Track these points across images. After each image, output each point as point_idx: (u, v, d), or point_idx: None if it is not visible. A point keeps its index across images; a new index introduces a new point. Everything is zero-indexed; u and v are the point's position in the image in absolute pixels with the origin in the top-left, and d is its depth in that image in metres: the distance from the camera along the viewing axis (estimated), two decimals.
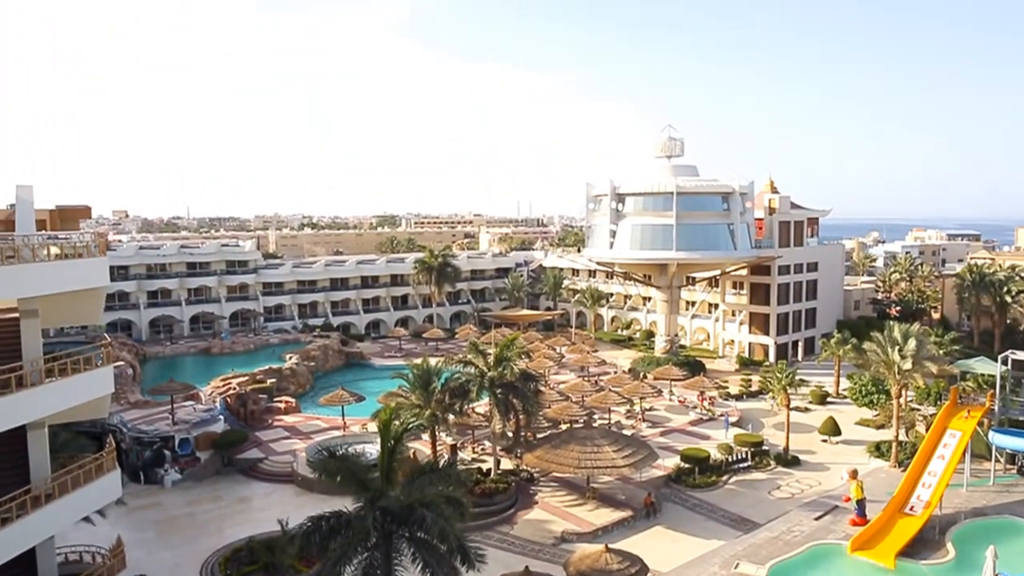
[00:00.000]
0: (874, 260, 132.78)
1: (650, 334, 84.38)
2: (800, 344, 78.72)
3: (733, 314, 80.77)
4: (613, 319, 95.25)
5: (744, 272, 77.51)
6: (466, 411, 44.10)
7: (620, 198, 73.04)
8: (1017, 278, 79.18)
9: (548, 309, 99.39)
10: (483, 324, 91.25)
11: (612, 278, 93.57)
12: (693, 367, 66.93)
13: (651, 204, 71.06)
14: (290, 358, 70.58)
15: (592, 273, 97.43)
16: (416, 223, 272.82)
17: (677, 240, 68.96)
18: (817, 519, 37.59)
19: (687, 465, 43.63)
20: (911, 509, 35.83)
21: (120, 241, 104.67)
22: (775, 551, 33.44)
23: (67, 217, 35.18)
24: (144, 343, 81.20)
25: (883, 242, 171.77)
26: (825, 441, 50.35)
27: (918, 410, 53.38)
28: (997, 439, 41.29)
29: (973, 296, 79.68)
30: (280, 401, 58.38)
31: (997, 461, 42.82)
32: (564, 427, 47.34)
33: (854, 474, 38.73)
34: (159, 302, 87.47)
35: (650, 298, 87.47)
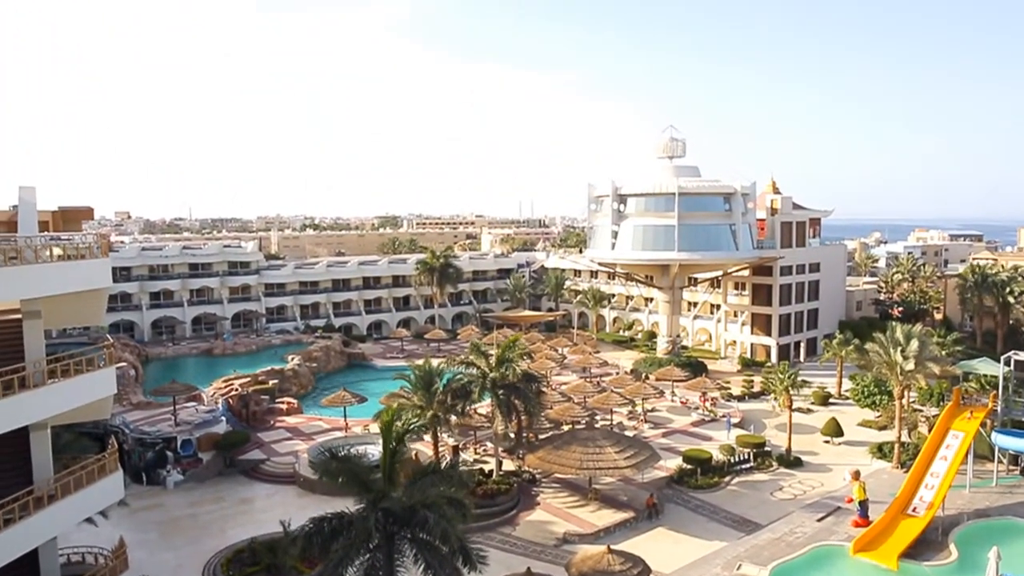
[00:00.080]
0: (876, 260, 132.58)
1: (652, 335, 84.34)
2: (802, 345, 78.66)
3: (735, 315, 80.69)
4: (615, 320, 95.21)
5: (746, 273, 77.44)
6: (468, 412, 44.09)
7: (622, 199, 73.04)
8: (1020, 278, 79.01)
9: (550, 310, 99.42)
10: (485, 325, 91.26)
11: (614, 279, 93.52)
12: (695, 368, 66.89)
13: (653, 205, 71.03)
14: (292, 359, 70.61)
15: (594, 274, 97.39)
16: (418, 224, 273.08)
17: (679, 241, 68.93)
18: (819, 520, 37.54)
19: (689, 466, 43.59)
20: (914, 510, 35.76)
21: (122, 242, 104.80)
22: (777, 552, 33.39)
23: (69, 218, 35.23)
24: (146, 344, 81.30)
25: (885, 242, 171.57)
26: (827, 442, 50.29)
27: (920, 411, 53.31)
28: (1000, 440, 41.22)
29: (976, 297, 79.54)
30: (282, 402, 58.40)
31: (1000, 462, 42.74)
32: (566, 428, 47.32)
33: (856, 475, 38.68)
34: (161, 303, 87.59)
35: (652, 299, 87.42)
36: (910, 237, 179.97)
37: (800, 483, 42.99)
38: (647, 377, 63.75)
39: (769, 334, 76.91)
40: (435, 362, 44.74)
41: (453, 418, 42.24)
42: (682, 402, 59.89)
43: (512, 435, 44.16)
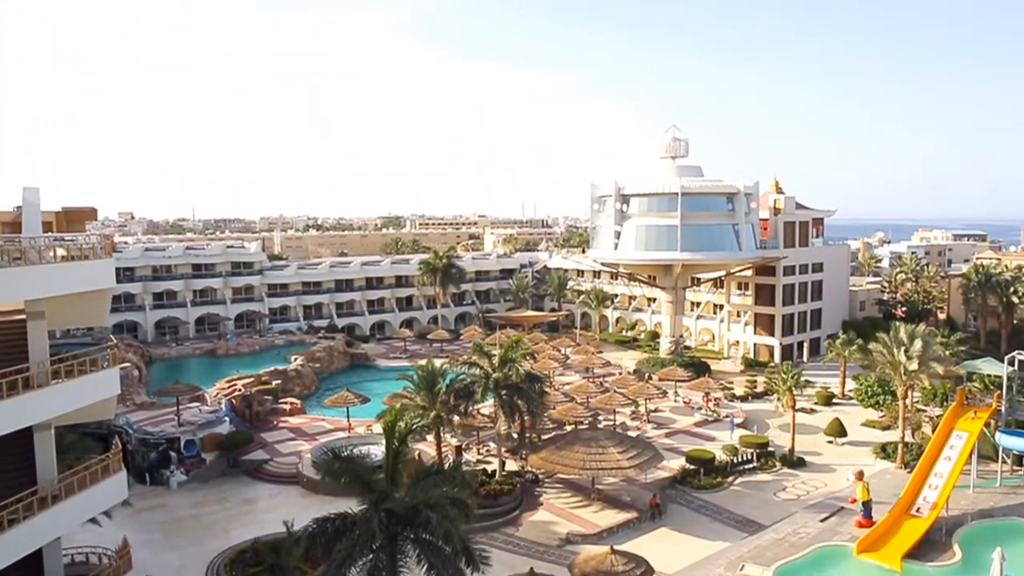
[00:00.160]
0: (880, 260, 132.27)
1: (655, 335, 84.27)
2: (805, 345, 78.53)
3: (738, 315, 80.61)
4: (618, 320, 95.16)
5: (749, 273, 77.34)
6: (471, 412, 44.14)
7: (624, 199, 73.00)
8: None
9: (553, 310, 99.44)
10: (488, 325, 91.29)
11: (617, 279, 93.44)
12: (698, 368, 66.85)
13: (656, 205, 71.00)
14: (295, 359, 70.69)
15: (597, 274, 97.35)
16: (421, 224, 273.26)
17: (682, 241, 68.87)
18: (823, 521, 37.49)
19: (692, 466, 43.56)
20: (917, 511, 35.70)
21: (126, 243, 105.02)
22: (781, 553, 33.35)
23: (73, 219, 35.31)
24: (150, 344, 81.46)
25: (889, 242, 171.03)
26: (831, 442, 50.22)
27: (924, 411, 53.22)
28: (1004, 440, 41.12)
29: (979, 296, 79.38)
30: (285, 402, 58.44)
31: (1004, 462, 42.63)
32: (569, 428, 47.32)
33: (860, 475, 38.65)
34: (165, 304, 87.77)
35: (655, 299, 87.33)
36: (913, 237, 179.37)
37: (803, 483, 42.93)
38: (650, 377, 63.70)
39: (772, 334, 76.80)
40: (438, 362, 44.78)
41: (456, 418, 42.25)
42: (685, 402, 59.84)
43: (515, 435, 44.17)
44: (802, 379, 52.07)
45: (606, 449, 38.48)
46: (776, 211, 77.55)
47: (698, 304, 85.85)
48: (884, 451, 47.05)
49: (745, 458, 45.64)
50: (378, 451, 30.89)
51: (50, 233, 28.72)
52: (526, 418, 42.61)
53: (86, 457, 26.16)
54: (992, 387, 46.98)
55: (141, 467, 44.09)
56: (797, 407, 49.53)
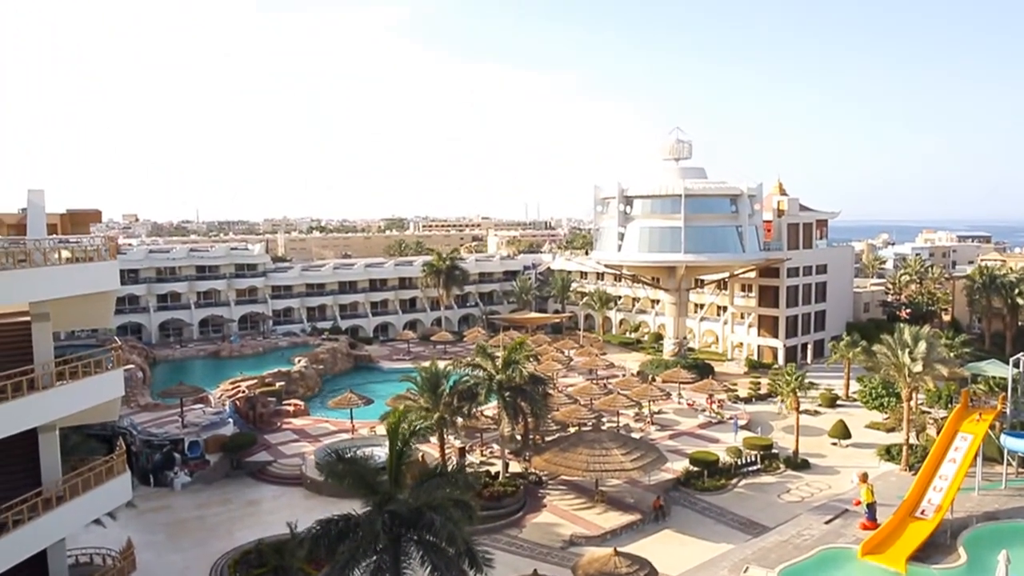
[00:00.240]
0: (884, 262, 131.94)
1: (658, 337, 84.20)
2: (809, 347, 78.40)
3: (742, 317, 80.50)
4: (621, 322, 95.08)
5: (753, 274, 77.26)
6: (474, 414, 44.20)
7: (628, 201, 72.97)
8: None
9: (556, 312, 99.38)
10: (491, 327, 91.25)
11: (620, 281, 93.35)
12: (702, 370, 66.76)
13: (659, 207, 70.98)
14: (299, 361, 70.78)
15: (600, 276, 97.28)
16: (424, 226, 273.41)
17: (685, 242, 68.83)
18: (827, 523, 37.41)
19: (696, 468, 43.49)
20: (922, 513, 35.58)
21: (130, 245, 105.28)
22: (785, 555, 33.27)
23: (78, 221, 35.41)
24: (154, 346, 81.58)
25: (892, 244, 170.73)
26: (835, 444, 50.11)
27: (929, 413, 53.06)
28: (1009, 442, 40.97)
29: (984, 298, 79.15)
30: (289, 404, 58.50)
31: (1009, 464, 42.50)
32: (572, 430, 47.29)
33: (864, 477, 38.53)
34: (169, 305, 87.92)
35: (658, 301, 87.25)
36: (917, 238, 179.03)
37: (807, 485, 42.85)
38: (654, 379, 63.63)
39: (776, 336, 76.69)
40: (441, 364, 44.73)
41: (459, 420, 42.29)
42: (689, 404, 59.77)
43: (518, 437, 44.16)
44: (806, 381, 51.94)
45: (610, 451, 38.44)
46: (780, 213, 77.47)
47: (702, 306, 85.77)
48: (888, 453, 46.93)
49: (749, 460, 45.56)
50: (382, 453, 30.87)
51: (55, 235, 28.81)
52: (529, 420, 42.61)
53: (90, 458, 26.22)
54: (997, 389, 46.81)
55: (145, 468, 44.15)
56: (801, 409, 49.41)
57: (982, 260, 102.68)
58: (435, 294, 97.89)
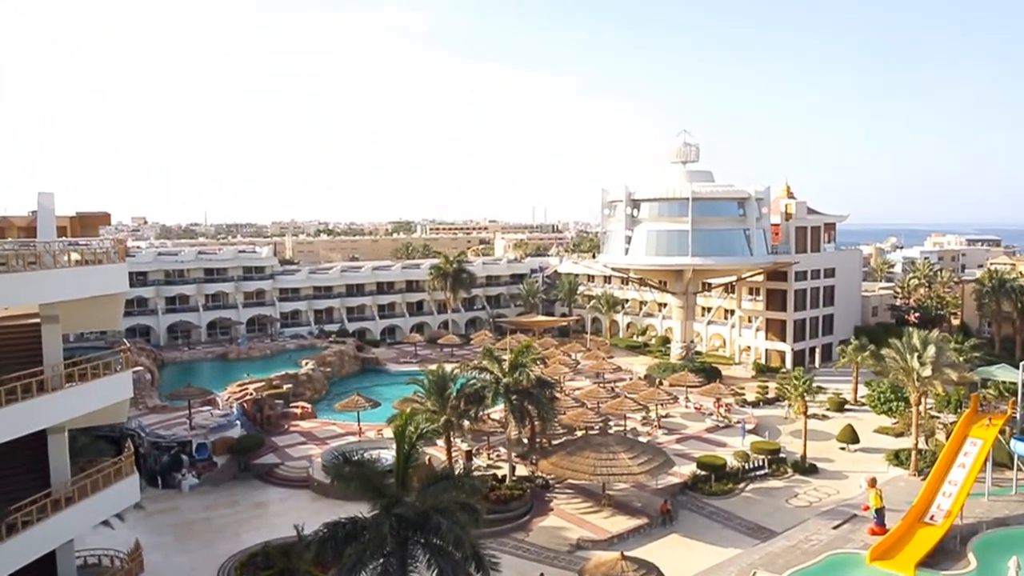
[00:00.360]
0: (892, 266, 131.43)
1: (666, 340, 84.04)
2: (817, 351, 78.08)
3: (749, 320, 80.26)
4: (628, 325, 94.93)
5: (760, 278, 77.02)
6: (481, 417, 44.08)
7: (635, 204, 72.92)
8: None
9: (563, 315, 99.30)
10: (498, 330, 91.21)
11: (627, 284, 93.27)
12: (709, 374, 66.59)
13: (666, 210, 70.88)
14: (306, 364, 70.90)
15: (607, 279, 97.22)
16: (431, 229, 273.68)
17: (693, 246, 68.71)
18: (835, 528, 37.21)
19: (703, 472, 43.38)
20: (931, 518, 35.36)
21: (139, 247, 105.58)
22: (792, 560, 33.13)
23: (87, 224, 35.68)
24: (162, 348, 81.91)
25: (901, 247, 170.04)
26: (843, 449, 49.89)
27: (938, 418, 52.75)
28: (1019, 447, 40.67)
29: (993, 302, 78.72)
30: (296, 406, 58.60)
31: (1019, 470, 42.14)
32: (579, 434, 47.26)
33: (873, 482, 38.31)
34: (177, 308, 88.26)
35: (666, 304, 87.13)
36: (926, 242, 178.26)
37: (815, 490, 42.66)
38: (661, 383, 63.54)
39: (784, 340, 76.42)
40: (448, 367, 44.82)
41: (466, 423, 42.29)
42: (696, 408, 59.61)
43: (525, 440, 44.13)
44: (814, 385, 51.85)
45: (616, 455, 38.37)
46: (788, 216, 77.26)
47: (709, 309, 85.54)
48: (897, 458, 46.67)
49: (756, 464, 45.41)
50: (388, 455, 30.90)
51: (64, 238, 29.04)
52: (536, 423, 42.55)
53: (99, 460, 26.35)
54: (1007, 394, 46.56)
55: (153, 470, 44.30)
56: (809, 413, 49.21)
57: (991, 264, 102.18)
58: (442, 297, 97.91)
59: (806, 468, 45.49)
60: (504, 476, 42.23)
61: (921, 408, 46.83)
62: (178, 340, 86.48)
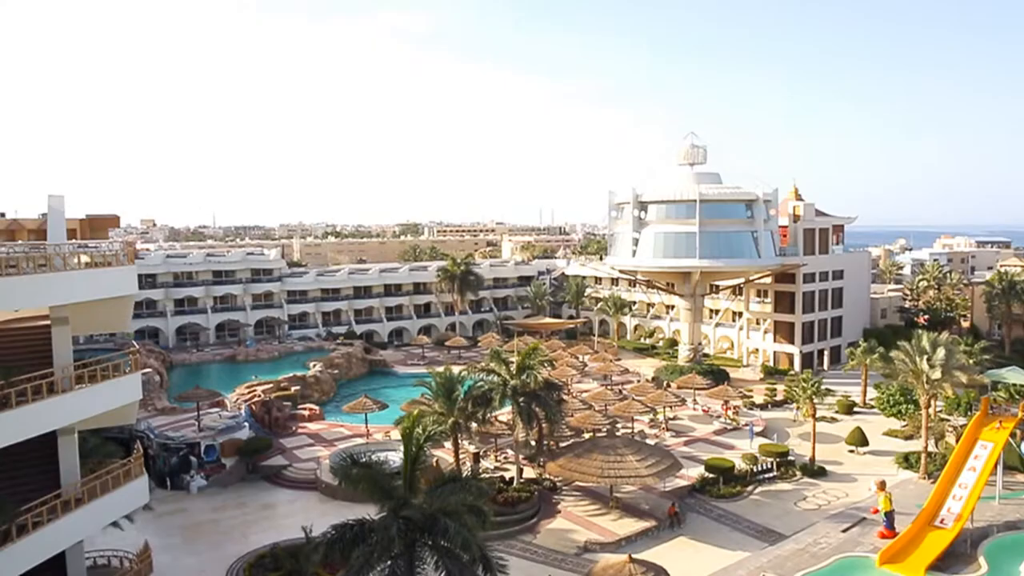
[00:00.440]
0: (901, 268, 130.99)
1: (673, 342, 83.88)
2: (826, 353, 77.80)
3: (757, 322, 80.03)
4: (636, 327, 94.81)
5: (768, 280, 76.82)
6: (489, 419, 44.10)
7: (643, 206, 72.78)
8: None
9: (571, 317, 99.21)
10: (505, 332, 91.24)
11: (635, 286, 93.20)
12: (717, 376, 66.39)
13: (674, 212, 70.76)
14: (314, 366, 71.08)
15: (615, 281, 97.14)
16: (439, 231, 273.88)
17: (700, 248, 68.55)
18: (844, 531, 37.01)
19: (711, 475, 43.23)
20: (941, 522, 35.13)
21: (148, 250, 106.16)
22: (801, 563, 32.97)
23: (96, 226, 35.83)
24: (171, 350, 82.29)
25: (910, 249, 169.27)
26: (852, 452, 49.65)
27: (948, 420, 52.46)
28: None
29: (1003, 304, 78.33)
30: (304, 408, 58.76)
31: None
32: (587, 436, 47.21)
33: (882, 485, 38.09)
34: (186, 310, 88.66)
35: (673, 306, 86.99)
36: (936, 244, 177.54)
37: (824, 493, 42.45)
38: (668, 385, 63.41)
39: (792, 342, 76.18)
40: (456, 369, 44.82)
41: (474, 425, 42.28)
42: (704, 410, 59.45)
43: (533, 443, 44.05)
44: (822, 387, 51.53)
45: (624, 457, 38.29)
46: (796, 218, 77.03)
47: (717, 311, 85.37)
48: (907, 461, 46.42)
49: (765, 467, 45.23)
50: (396, 457, 30.97)
51: (74, 240, 29.17)
52: (544, 425, 42.48)
53: (108, 461, 26.48)
54: (1018, 396, 46.32)
55: (162, 472, 44.45)
56: (818, 416, 49.00)
57: (1002, 266, 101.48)
58: (449, 299, 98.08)
59: (815, 471, 45.30)
60: (512, 478, 42.19)
61: (931, 411, 46.58)
62: (187, 342, 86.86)
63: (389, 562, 22.37)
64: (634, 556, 28.09)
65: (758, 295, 79.84)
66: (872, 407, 60.35)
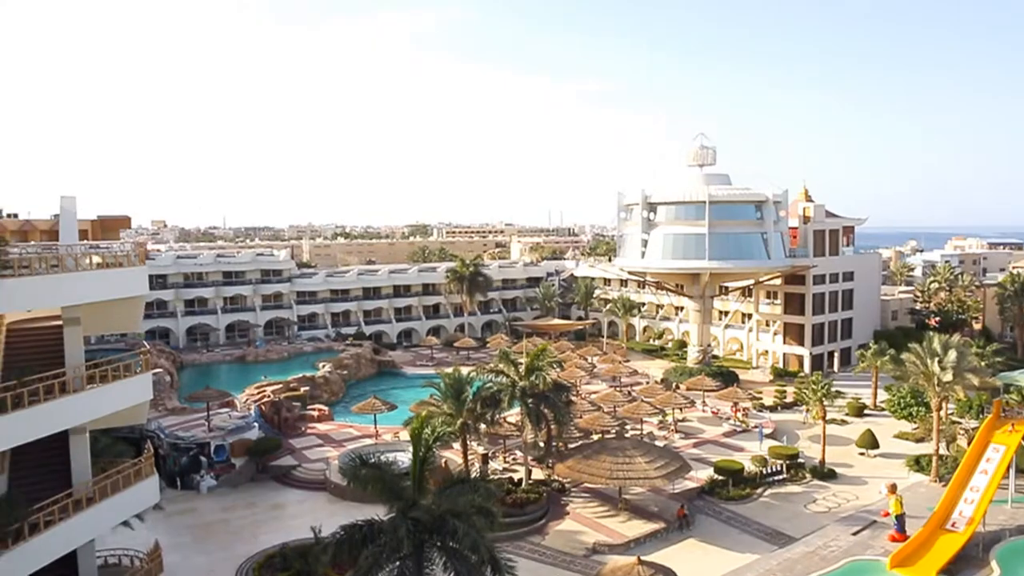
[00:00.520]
0: (912, 269, 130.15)
1: (682, 344, 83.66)
2: (836, 355, 77.42)
3: (767, 324, 79.73)
4: (645, 329, 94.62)
5: (778, 281, 76.52)
6: (497, 421, 44.11)
7: (652, 207, 72.64)
8: None
9: (579, 319, 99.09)
10: (514, 333, 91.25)
11: (644, 287, 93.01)
12: (726, 378, 66.17)
13: (683, 213, 70.59)
14: (323, 366, 71.26)
15: (624, 283, 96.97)
16: (448, 232, 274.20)
17: (710, 249, 68.35)
18: (855, 534, 36.85)
19: (720, 477, 43.09)
20: (953, 525, 34.93)
21: (159, 250, 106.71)
22: (811, 566, 32.86)
23: (108, 227, 36.12)
24: (181, 351, 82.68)
25: (921, 251, 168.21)
26: (863, 454, 49.38)
27: (959, 423, 52.12)
28: None
29: (1016, 306, 77.73)
30: (313, 409, 58.91)
31: None
32: (596, 437, 47.16)
33: (893, 488, 37.91)
34: (196, 310, 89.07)
35: (682, 308, 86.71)
36: (947, 245, 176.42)
37: (834, 496, 42.25)
38: (677, 387, 63.22)
39: (802, 344, 75.85)
40: (465, 370, 44.86)
41: (482, 426, 42.26)
42: (713, 412, 59.27)
43: (541, 444, 44.05)
44: (833, 389, 51.27)
45: (633, 459, 38.23)
46: (806, 219, 76.72)
47: (726, 313, 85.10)
48: (918, 464, 46.13)
49: (774, 469, 45.04)
50: (405, 458, 31.01)
51: (86, 241, 29.38)
52: (552, 427, 42.47)
53: (119, 461, 26.64)
54: None
55: (172, 471, 44.65)
56: (828, 418, 48.80)
57: (1014, 267, 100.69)
58: (458, 300, 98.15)
59: (825, 473, 45.09)
60: (520, 480, 42.18)
61: (942, 413, 46.26)
62: (197, 342, 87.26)
63: (398, 563, 22.40)
64: (643, 558, 28.06)
65: (768, 297, 79.55)
66: (883, 409, 59.99)
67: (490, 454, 47.77)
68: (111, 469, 25.26)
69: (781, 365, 76.32)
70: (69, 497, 22.92)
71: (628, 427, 52.16)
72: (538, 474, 44.09)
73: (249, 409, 54.85)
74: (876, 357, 61.20)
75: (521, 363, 43.28)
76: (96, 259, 24.29)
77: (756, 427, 53.73)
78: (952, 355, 44.15)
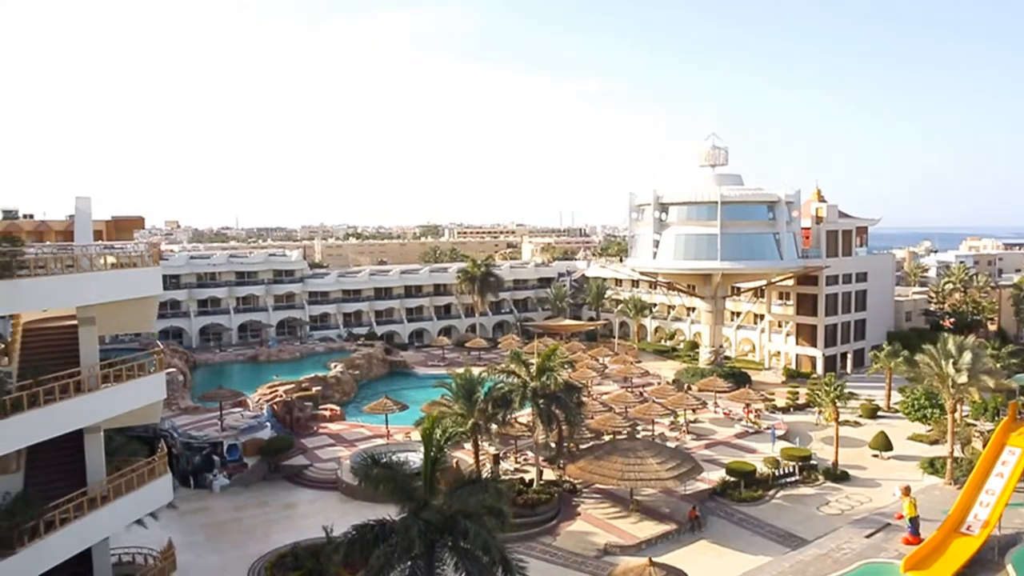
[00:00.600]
0: (927, 270, 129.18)
1: (694, 345, 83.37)
2: (849, 356, 76.94)
3: (779, 325, 79.33)
4: (657, 329, 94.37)
5: (791, 282, 76.13)
6: (509, 421, 44.09)
7: (664, 207, 72.47)
8: None
9: (591, 319, 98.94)
10: (525, 334, 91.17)
11: (655, 288, 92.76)
12: (738, 379, 65.91)
13: (695, 213, 70.39)
14: (335, 366, 71.48)
15: (635, 283, 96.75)
16: (459, 233, 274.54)
17: (722, 250, 68.12)
18: (868, 537, 36.62)
19: (733, 479, 42.91)
20: (968, 529, 34.61)
21: (172, 251, 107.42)
22: (824, 569, 32.68)
23: (122, 227, 36.40)
24: (194, 350, 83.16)
25: (935, 251, 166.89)
26: (876, 456, 49.04)
27: (974, 425, 51.70)
28: None
29: None
30: (325, 409, 59.11)
31: None
32: (607, 438, 47.07)
33: (907, 491, 37.62)
34: (209, 310, 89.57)
35: (694, 308, 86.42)
36: (962, 246, 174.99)
37: (847, 498, 41.99)
38: (689, 388, 63.04)
39: (815, 345, 75.42)
40: (476, 371, 44.87)
41: (494, 427, 42.28)
42: (725, 413, 59.04)
43: (553, 445, 44.04)
44: (846, 391, 50.98)
45: (644, 460, 38.15)
46: (818, 220, 76.30)
47: (738, 314, 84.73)
48: (932, 466, 45.77)
49: (787, 471, 44.82)
50: (416, 458, 31.05)
51: (100, 241, 29.63)
52: (564, 427, 42.45)
53: (133, 460, 26.84)
54: None
55: (185, 470, 44.93)
56: (841, 420, 48.51)
57: None
58: (470, 301, 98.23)
59: (838, 475, 44.82)
60: (531, 480, 42.18)
61: (957, 415, 45.91)
62: (210, 342, 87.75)
63: (409, 563, 22.45)
64: (654, 559, 28.02)
65: (780, 297, 79.16)
66: (896, 411, 59.60)
67: (501, 455, 47.80)
68: (125, 468, 25.46)
69: (794, 366, 75.93)
70: (84, 495, 23.12)
71: (639, 428, 52.04)
72: (549, 475, 44.06)
73: (261, 409, 55.10)
74: (890, 358, 60.80)
75: (532, 364, 43.28)
76: (111, 259, 24.50)
77: (768, 428, 53.48)
78: (967, 356, 43.80)
